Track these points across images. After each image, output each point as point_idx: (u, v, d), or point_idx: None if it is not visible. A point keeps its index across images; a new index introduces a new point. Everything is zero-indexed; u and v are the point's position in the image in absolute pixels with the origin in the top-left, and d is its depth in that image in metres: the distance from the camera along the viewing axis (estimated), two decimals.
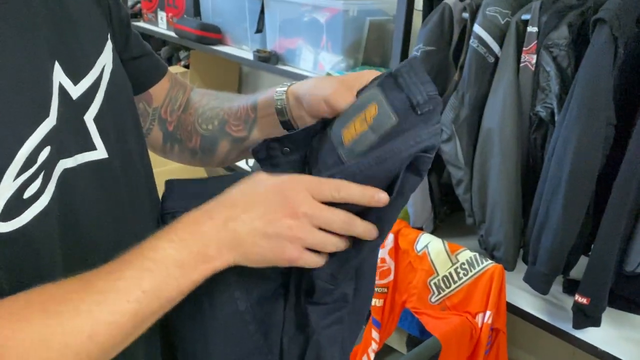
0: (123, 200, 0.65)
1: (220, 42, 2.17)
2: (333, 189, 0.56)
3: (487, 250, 1.35)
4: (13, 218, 0.52)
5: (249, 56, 1.97)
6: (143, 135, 0.76)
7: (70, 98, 0.60)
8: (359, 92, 0.62)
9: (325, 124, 0.64)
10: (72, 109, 0.60)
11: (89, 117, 0.62)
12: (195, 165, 0.87)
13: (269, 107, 0.75)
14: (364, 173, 0.56)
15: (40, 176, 0.54)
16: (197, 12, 2.23)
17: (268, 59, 1.88)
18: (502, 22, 1.26)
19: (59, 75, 0.59)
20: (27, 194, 0.53)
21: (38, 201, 0.54)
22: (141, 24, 2.55)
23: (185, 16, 2.27)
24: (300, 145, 0.65)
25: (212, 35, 2.14)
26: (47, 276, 0.53)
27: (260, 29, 1.95)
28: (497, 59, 1.28)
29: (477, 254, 1.28)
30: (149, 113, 0.84)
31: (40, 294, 0.51)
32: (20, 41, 0.56)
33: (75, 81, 0.61)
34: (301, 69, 1.83)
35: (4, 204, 0.51)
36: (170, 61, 2.58)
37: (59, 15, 0.63)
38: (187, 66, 2.47)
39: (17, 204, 0.52)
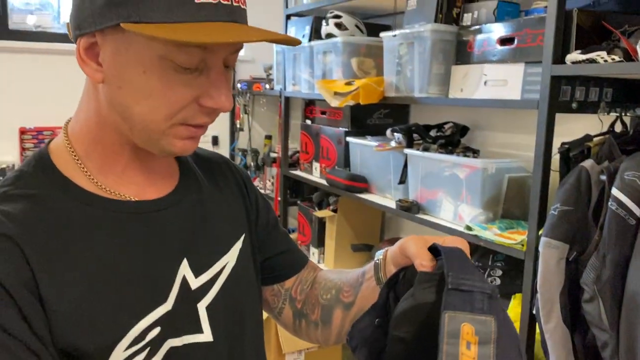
0: None
1: (366, 190, 2.37)
2: None
3: None
4: None
5: (392, 205, 2.13)
6: (261, 320, 0.86)
7: (190, 288, 0.73)
8: (431, 248, 0.67)
9: (398, 275, 0.69)
10: (189, 297, 0.72)
11: (202, 305, 0.74)
12: (321, 341, 0.92)
13: (372, 270, 0.83)
14: None
15: (146, 351, 0.67)
16: (347, 164, 2.49)
17: (409, 209, 2.02)
18: None
19: (185, 269, 0.73)
20: None
21: None
22: (298, 172, 2.88)
23: (336, 167, 2.54)
24: (382, 311, 0.69)
25: (359, 184, 2.36)
26: None
27: (403, 180, 2.12)
28: (638, 221, 1.27)
29: None
30: (281, 293, 0.94)
31: None
32: (160, 240, 0.71)
33: (197, 274, 0.74)
34: (441, 219, 1.92)
35: None
36: (320, 205, 2.83)
37: (197, 217, 0.77)
38: (335, 210, 2.69)
39: None
